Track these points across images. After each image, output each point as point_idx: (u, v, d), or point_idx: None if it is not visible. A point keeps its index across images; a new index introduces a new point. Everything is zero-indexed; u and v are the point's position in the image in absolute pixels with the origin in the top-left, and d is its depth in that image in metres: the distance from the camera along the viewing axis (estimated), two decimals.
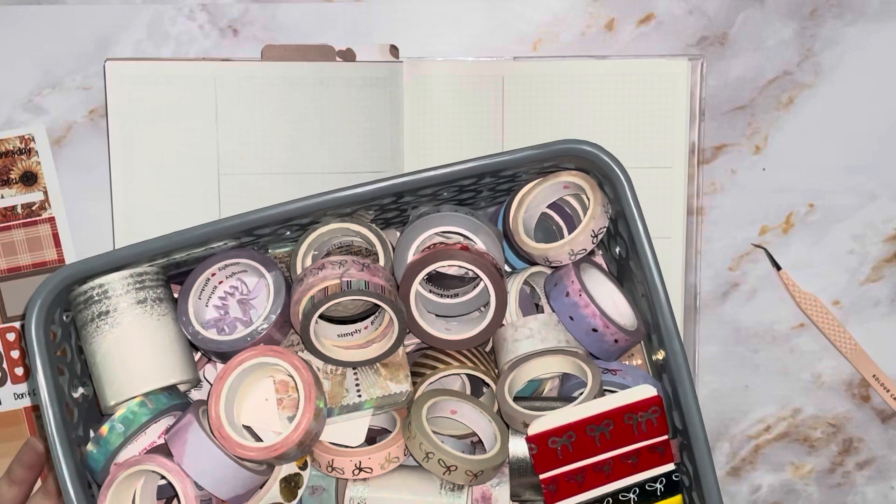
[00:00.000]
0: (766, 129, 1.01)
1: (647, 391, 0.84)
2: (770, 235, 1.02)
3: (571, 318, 0.86)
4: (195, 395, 0.94)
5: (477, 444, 0.94)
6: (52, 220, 1.00)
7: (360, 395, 0.88)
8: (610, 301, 0.90)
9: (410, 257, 0.87)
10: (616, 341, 0.86)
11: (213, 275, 0.88)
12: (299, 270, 0.88)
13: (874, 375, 1.01)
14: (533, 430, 0.83)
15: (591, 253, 0.91)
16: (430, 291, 0.89)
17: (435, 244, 0.87)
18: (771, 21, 1.00)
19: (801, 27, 1.00)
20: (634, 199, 0.83)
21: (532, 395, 0.93)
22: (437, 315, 0.90)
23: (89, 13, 0.99)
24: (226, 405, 0.84)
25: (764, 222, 1.02)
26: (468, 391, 0.94)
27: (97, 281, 0.85)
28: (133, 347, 0.85)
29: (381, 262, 0.88)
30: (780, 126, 1.01)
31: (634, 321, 0.89)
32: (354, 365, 0.87)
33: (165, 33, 1.00)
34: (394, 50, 0.99)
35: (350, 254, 0.91)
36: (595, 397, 0.84)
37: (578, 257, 0.87)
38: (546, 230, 0.93)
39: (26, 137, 1.00)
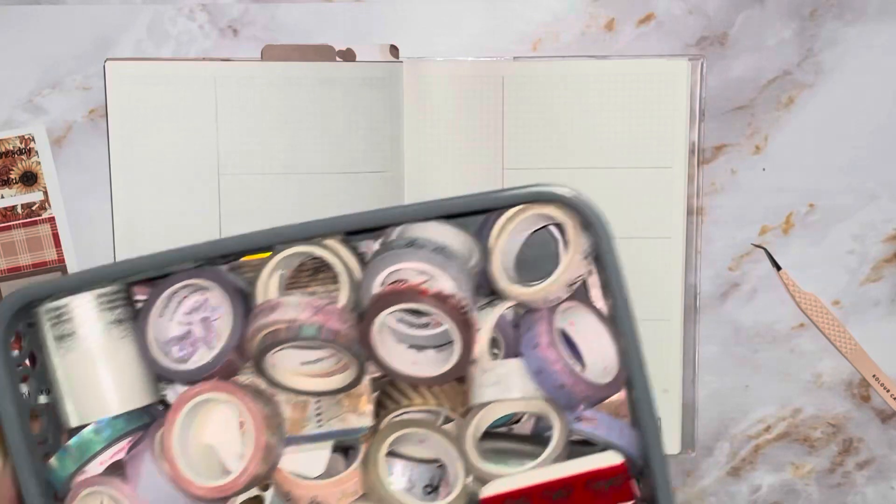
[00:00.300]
0: (766, 129, 1.01)
1: (612, 458, 0.81)
2: (770, 235, 1.02)
3: (540, 372, 0.83)
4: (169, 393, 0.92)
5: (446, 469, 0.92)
6: (52, 220, 1.00)
7: (320, 426, 0.86)
8: (594, 336, 0.87)
9: (376, 289, 0.84)
10: (586, 397, 0.84)
11: (176, 292, 0.87)
12: (260, 298, 0.86)
13: (874, 375, 1.01)
14: (486, 492, 0.81)
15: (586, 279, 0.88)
16: (401, 321, 0.85)
17: (401, 280, 0.84)
18: (771, 21, 1.00)
19: (801, 27, 1.00)
20: (613, 255, 0.80)
21: (504, 427, 0.90)
22: (408, 345, 0.86)
23: (89, 13, 0.99)
24: (179, 436, 0.82)
25: (764, 222, 1.02)
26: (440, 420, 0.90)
27: (55, 303, 0.84)
28: (91, 372, 0.85)
29: (345, 289, 0.85)
30: (780, 126, 1.01)
31: (616, 366, 0.86)
32: (314, 395, 0.86)
33: (165, 33, 1.00)
34: (394, 50, 0.99)
35: (318, 272, 0.89)
36: (560, 453, 0.82)
37: (553, 304, 0.84)
38: (542, 244, 0.90)
39: (26, 137, 1.00)
